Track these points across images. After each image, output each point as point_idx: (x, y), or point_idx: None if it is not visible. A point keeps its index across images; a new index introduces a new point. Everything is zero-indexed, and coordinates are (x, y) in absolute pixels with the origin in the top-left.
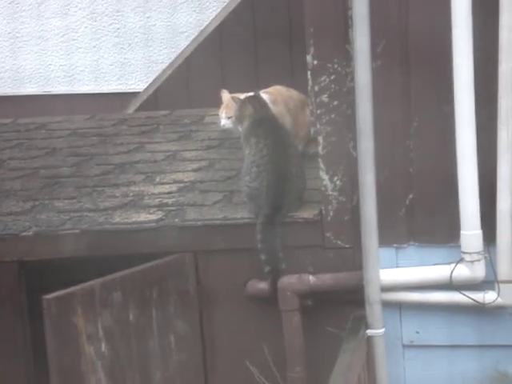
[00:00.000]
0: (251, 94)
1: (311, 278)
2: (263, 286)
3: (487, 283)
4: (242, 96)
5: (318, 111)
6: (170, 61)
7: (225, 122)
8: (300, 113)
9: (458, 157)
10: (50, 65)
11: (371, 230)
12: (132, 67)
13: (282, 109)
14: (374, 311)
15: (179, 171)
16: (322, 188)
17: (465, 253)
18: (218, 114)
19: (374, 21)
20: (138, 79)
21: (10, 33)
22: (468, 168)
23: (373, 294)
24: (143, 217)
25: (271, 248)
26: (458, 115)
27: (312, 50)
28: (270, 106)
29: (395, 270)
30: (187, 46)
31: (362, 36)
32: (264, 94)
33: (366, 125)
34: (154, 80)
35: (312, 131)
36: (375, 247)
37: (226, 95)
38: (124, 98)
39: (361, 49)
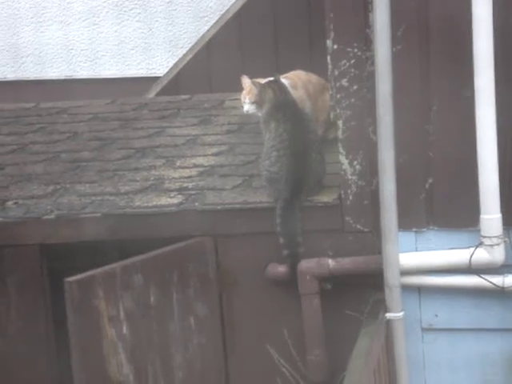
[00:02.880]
0: (271, 78)
1: (330, 261)
2: (283, 269)
3: (507, 267)
4: (263, 81)
5: (338, 96)
6: (191, 45)
7: (248, 107)
8: (320, 97)
9: (477, 140)
10: (72, 49)
11: (390, 213)
12: (153, 52)
13: (301, 93)
14: (393, 295)
15: (199, 155)
16: (342, 172)
17: (484, 237)
18: (238, 99)
19: (395, 4)
20: (159, 64)
21: (32, 17)
22: (488, 151)
23: (392, 278)
24: (163, 201)
25: (290, 232)
26: (477, 93)
27: (332, 34)
28: (290, 90)
29: (414, 254)
30: (208, 30)
31: (383, 13)
32: (284, 79)
33: (386, 108)
34: (175, 64)
35: (332, 116)
36: (394, 231)
37: (246, 80)
38: (145, 82)
39: (381, 24)
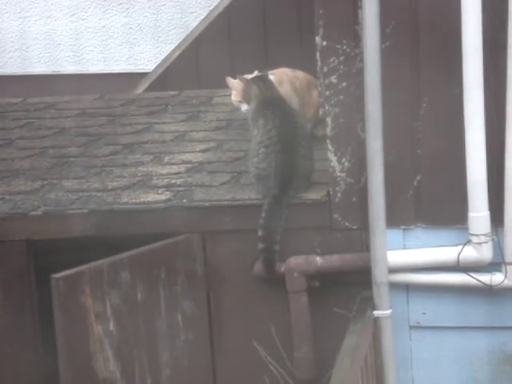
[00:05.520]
0: (258, 73)
1: (319, 259)
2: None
3: (494, 265)
4: (249, 77)
5: (327, 92)
6: (179, 41)
7: (247, 106)
8: (306, 93)
9: (465, 136)
10: (59, 44)
11: (379, 211)
12: (141, 47)
13: (287, 89)
14: (381, 292)
15: (187, 152)
16: (330, 169)
17: (472, 234)
18: (227, 95)
19: (384, 1)
20: (146, 59)
21: (19, 12)
22: (476, 148)
23: (380, 276)
24: (151, 197)
25: (271, 227)
26: (465, 86)
27: (321, 31)
28: (276, 86)
29: (402, 252)
30: (196, 26)
31: (372, 10)
32: (269, 76)
33: (375, 105)
34: (163, 60)
35: (320, 112)
36: (383, 228)
37: (232, 80)
38: (133, 78)
39: (370, 20)
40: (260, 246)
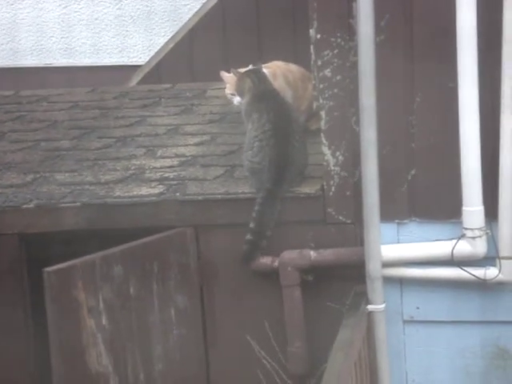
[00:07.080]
0: (251, 67)
1: (312, 253)
2: (264, 260)
3: (489, 259)
4: (242, 70)
5: (321, 86)
6: (172, 34)
7: (239, 99)
8: (300, 86)
9: (460, 129)
10: (52, 37)
11: (373, 205)
12: (134, 40)
13: (281, 82)
14: (375, 287)
15: (181, 145)
16: (324, 163)
17: (466, 229)
18: (221, 88)
19: None
20: (139, 52)
21: (11, 4)
22: (471, 142)
23: (374, 270)
24: (144, 190)
25: (264, 221)
26: (460, 76)
27: (315, 23)
28: (270, 80)
29: (396, 246)
30: (190, 18)
31: (366, 3)
32: (263, 69)
33: (369, 98)
34: (156, 53)
35: (314, 106)
36: (377, 223)
37: (226, 74)
38: (125, 70)
39: (364, 13)
40: (248, 236)
